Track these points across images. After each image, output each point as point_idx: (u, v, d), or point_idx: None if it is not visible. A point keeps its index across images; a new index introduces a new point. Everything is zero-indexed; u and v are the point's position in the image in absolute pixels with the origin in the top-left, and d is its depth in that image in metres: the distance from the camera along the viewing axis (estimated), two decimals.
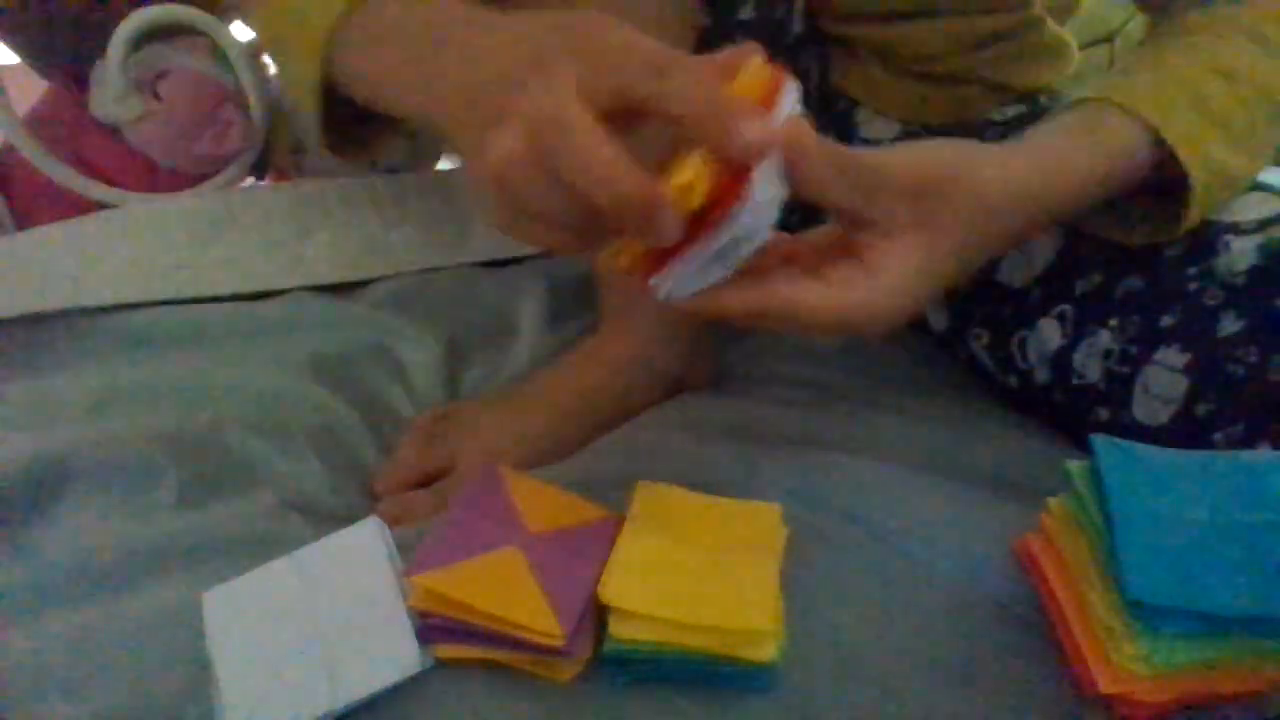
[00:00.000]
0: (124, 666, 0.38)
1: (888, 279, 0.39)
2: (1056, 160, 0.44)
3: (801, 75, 0.63)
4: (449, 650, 0.37)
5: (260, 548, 0.41)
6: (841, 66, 0.67)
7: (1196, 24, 0.51)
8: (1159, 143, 0.45)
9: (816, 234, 0.42)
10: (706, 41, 0.57)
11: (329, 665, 0.36)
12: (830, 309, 0.38)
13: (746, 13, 0.58)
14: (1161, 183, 0.47)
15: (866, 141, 0.67)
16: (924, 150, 0.41)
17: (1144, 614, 0.34)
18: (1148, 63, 0.49)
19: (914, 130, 0.67)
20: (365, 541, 0.40)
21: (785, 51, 0.62)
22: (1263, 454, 0.38)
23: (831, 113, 0.68)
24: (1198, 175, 0.46)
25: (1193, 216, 0.48)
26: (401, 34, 0.40)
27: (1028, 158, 0.44)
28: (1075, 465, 0.40)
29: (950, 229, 0.40)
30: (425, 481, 0.54)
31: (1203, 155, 0.46)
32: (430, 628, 0.37)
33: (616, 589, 0.36)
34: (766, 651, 0.35)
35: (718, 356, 0.64)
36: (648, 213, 0.31)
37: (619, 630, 0.36)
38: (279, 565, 0.39)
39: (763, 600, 0.36)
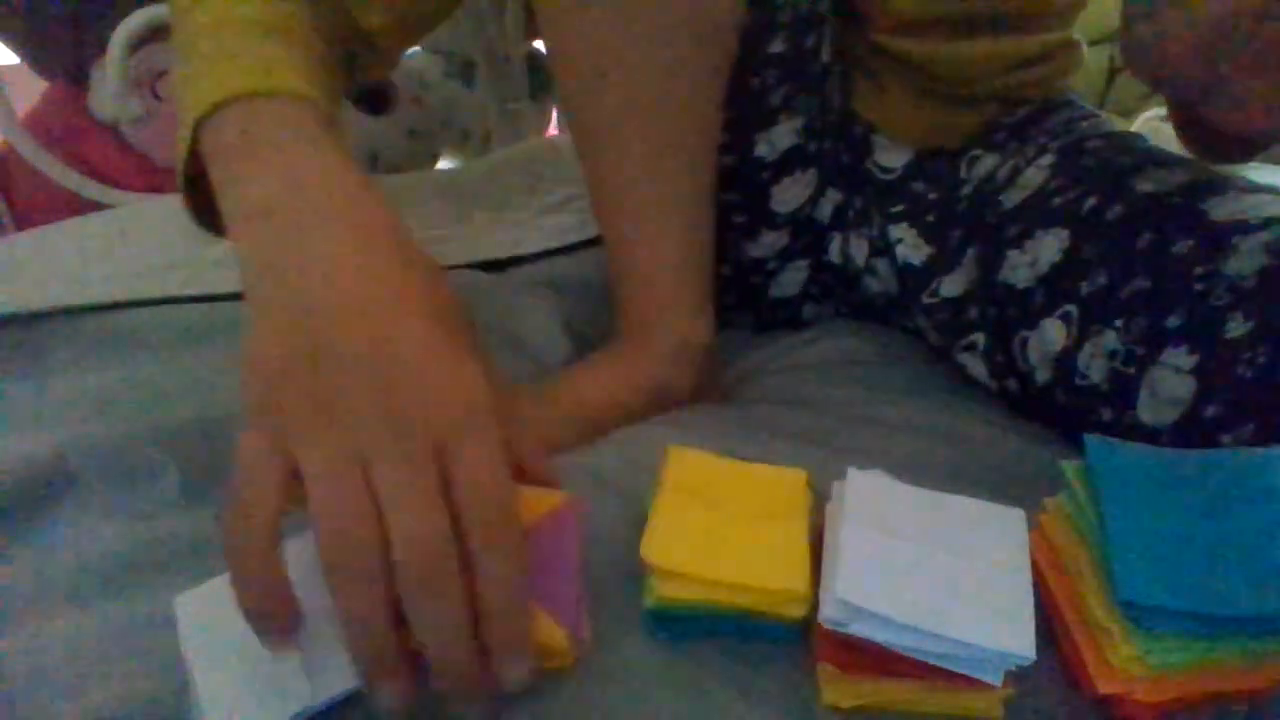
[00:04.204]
0: (124, 666, 0.38)
1: None
2: None
3: (824, 102, 0.64)
4: None
5: None
6: (863, 93, 0.67)
7: None
8: None
9: None
10: (736, 75, 0.56)
11: (306, 662, 0.35)
12: None
13: (778, 46, 0.58)
14: None
15: (880, 166, 0.68)
16: None
17: (1137, 614, 0.34)
18: None
19: (926, 155, 0.67)
20: None
21: (812, 80, 0.62)
22: (1257, 451, 0.38)
23: (848, 137, 0.68)
24: None
25: None
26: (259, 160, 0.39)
27: None
28: (1070, 465, 0.40)
29: None
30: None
31: None
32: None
33: (659, 548, 0.38)
34: (800, 609, 0.37)
35: (723, 381, 0.65)
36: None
37: (663, 589, 0.37)
38: None
39: (796, 561, 0.38)
